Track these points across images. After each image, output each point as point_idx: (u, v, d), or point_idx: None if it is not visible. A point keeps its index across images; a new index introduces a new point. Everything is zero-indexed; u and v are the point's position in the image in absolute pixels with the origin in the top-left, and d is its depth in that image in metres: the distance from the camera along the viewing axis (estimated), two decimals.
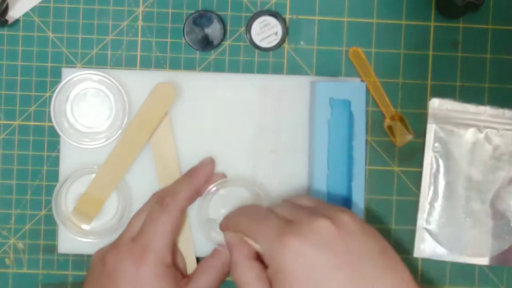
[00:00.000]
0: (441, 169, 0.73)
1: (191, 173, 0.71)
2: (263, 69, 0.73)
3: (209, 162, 0.71)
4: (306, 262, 0.56)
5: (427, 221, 0.73)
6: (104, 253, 0.67)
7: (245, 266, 0.61)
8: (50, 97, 0.72)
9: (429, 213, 0.73)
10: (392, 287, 0.56)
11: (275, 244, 0.57)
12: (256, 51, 0.73)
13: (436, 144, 0.73)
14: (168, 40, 0.73)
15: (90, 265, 0.69)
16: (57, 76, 0.72)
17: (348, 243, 0.57)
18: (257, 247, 0.60)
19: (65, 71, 0.72)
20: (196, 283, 0.67)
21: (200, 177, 0.70)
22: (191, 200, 0.70)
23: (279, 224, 0.59)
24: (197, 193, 0.70)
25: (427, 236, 0.73)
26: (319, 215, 0.58)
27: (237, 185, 0.72)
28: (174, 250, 0.69)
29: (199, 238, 0.72)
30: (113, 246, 0.67)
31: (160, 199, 0.68)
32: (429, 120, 0.73)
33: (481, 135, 0.73)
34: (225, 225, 0.65)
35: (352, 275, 0.55)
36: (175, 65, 0.73)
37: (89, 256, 0.72)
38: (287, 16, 0.73)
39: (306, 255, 0.56)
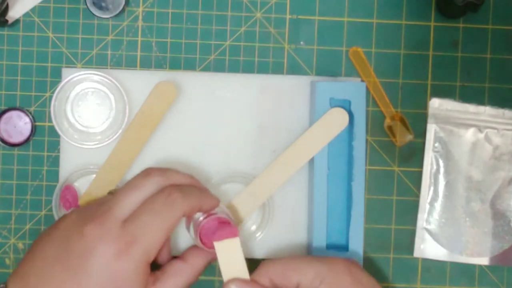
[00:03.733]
0: (441, 169, 0.73)
1: (203, 191, 0.65)
2: (263, 69, 0.73)
3: (217, 199, 0.66)
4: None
5: (427, 221, 0.73)
6: (84, 223, 0.61)
7: None
8: (50, 97, 0.72)
9: (429, 213, 0.73)
10: None
11: (331, 266, 0.63)
12: (256, 51, 0.73)
13: (436, 144, 0.73)
14: (168, 40, 0.73)
15: (59, 224, 0.63)
16: (57, 76, 0.72)
17: None
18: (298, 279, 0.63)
19: (65, 71, 0.72)
20: (163, 285, 0.63)
21: (209, 202, 0.65)
22: (193, 212, 0.64)
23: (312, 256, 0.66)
24: (196, 211, 0.65)
25: (427, 236, 0.73)
26: None
27: (235, 181, 0.72)
28: (161, 248, 0.64)
29: None
30: (97, 220, 0.61)
31: (167, 191, 0.62)
32: (429, 120, 0.73)
33: (481, 135, 0.73)
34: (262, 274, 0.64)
35: None
36: (175, 65, 0.73)
37: None
38: (287, 16, 0.73)
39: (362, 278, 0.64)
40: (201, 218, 0.65)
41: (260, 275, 0.64)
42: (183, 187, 0.64)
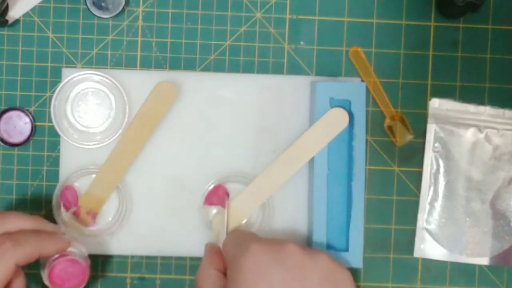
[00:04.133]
0: (441, 169, 0.73)
1: (44, 236, 0.63)
2: (263, 69, 0.73)
3: (66, 241, 0.65)
4: (262, 268, 0.59)
5: (427, 221, 0.73)
6: None
7: (207, 273, 0.64)
8: (50, 97, 0.72)
9: (429, 213, 0.73)
10: None
11: (239, 247, 0.62)
12: (256, 51, 0.73)
13: (436, 144, 0.73)
14: (168, 40, 0.73)
15: None
16: (57, 76, 0.73)
17: (305, 270, 0.60)
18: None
19: (65, 71, 0.72)
20: None
21: (51, 247, 0.63)
22: (30, 260, 0.61)
23: (250, 236, 0.65)
24: (36, 258, 0.62)
25: (427, 236, 0.73)
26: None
27: (235, 181, 0.72)
28: None
29: (202, 238, 0.72)
30: None
31: None
32: (429, 120, 0.73)
33: (481, 135, 0.73)
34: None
35: None
36: (175, 65, 0.73)
37: (89, 256, 0.72)
38: (287, 16, 0.73)
39: (264, 261, 0.59)
40: (51, 260, 0.64)
41: (224, 244, 0.66)
42: (18, 235, 0.61)
